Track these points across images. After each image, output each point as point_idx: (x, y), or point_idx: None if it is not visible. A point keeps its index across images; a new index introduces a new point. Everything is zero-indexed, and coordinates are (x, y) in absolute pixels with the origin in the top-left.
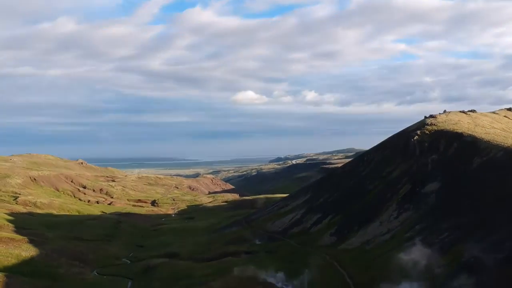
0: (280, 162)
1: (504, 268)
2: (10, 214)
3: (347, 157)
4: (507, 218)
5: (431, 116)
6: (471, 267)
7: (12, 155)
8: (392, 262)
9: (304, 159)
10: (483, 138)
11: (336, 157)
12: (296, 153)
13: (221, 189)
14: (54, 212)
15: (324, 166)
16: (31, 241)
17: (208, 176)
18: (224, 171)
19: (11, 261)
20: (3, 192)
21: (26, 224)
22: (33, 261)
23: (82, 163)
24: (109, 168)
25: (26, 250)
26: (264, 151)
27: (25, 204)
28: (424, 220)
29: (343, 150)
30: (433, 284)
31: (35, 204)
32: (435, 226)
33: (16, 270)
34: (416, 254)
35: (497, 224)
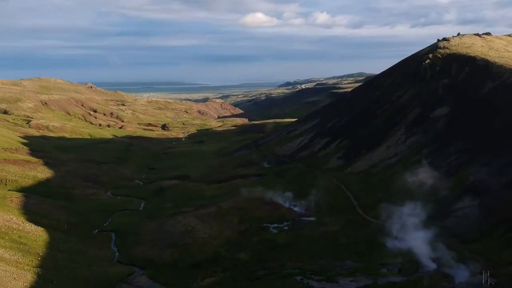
0: (289, 87)
1: (508, 191)
2: (24, 137)
3: (357, 81)
4: None
5: (444, 39)
6: (476, 189)
7: (22, 79)
8: (398, 184)
9: (314, 84)
10: (496, 62)
11: (346, 82)
12: (306, 78)
13: (230, 114)
14: (67, 135)
15: (334, 90)
16: (46, 163)
17: (217, 100)
18: (233, 95)
19: (28, 182)
20: (15, 115)
21: (40, 147)
22: (49, 182)
23: (91, 87)
24: (119, 92)
25: (41, 172)
26: (273, 76)
27: (38, 127)
28: (431, 144)
29: (354, 74)
30: (437, 205)
31: (47, 128)
32: (443, 150)
33: (33, 191)
34: (422, 177)
35: (504, 149)
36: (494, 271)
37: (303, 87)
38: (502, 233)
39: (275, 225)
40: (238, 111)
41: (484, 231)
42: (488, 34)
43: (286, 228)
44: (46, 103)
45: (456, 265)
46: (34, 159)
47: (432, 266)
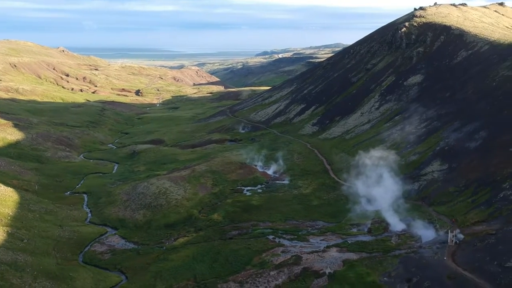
0: (266, 56)
1: (476, 156)
2: None
3: (334, 52)
4: (484, 110)
5: (421, 8)
6: (445, 154)
7: None
8: (370, 150)
9: (291, 54)
10: (470, 32)
11: (323, 52)
12: (283, 47)
13: (206, 81)
14: (38, 99)
15: (311, 60)
16: (15, 126)
17: (193, 67)
18: (209, 63)
19: None
20: None
21: (10, 109)
22: (19, 144)
23: (63, 51)
24: (92, 56)
25: (11, 134)
26: (250, 45)
27: (6, 90)
28: (404, 111)
29: (331, 45)
30: (407, 169)
31: (17, 91)
32: (415, 117)
33: (2, 153)
34: (393, 143)
35: (475, 115)
36: (459, 231)
37: (280, 57)
38: (468, 196)
39: (249, 187)
40: (214, 79)
41: (451, 194)
42: (464, 4)
43: (259, 190)
44: (15, 66)
45: (423, 225)
46: (2, 121)
47: (401, 226)
